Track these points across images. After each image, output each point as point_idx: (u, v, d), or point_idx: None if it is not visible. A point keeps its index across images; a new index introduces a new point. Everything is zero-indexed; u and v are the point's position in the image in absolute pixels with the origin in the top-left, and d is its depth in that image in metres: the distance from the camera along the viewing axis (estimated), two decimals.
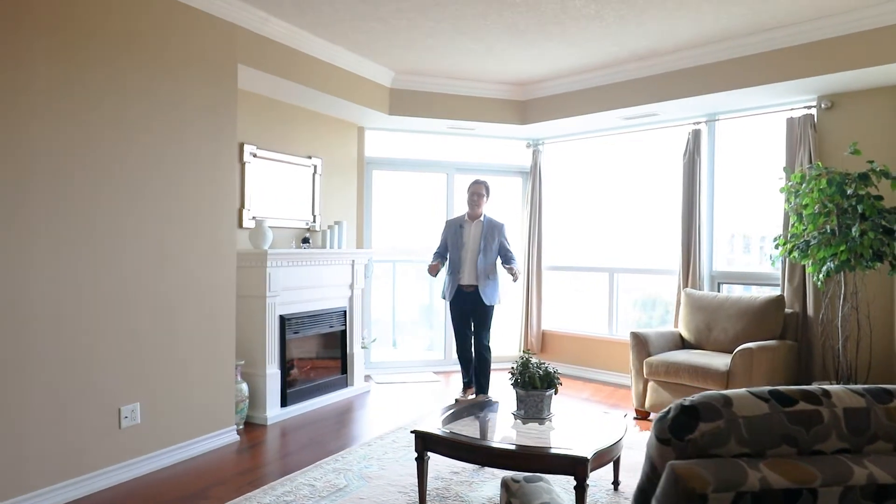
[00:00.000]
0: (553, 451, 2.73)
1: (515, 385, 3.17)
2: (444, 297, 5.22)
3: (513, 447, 2.80)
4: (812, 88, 4.76)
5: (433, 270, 5.15)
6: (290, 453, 3.98)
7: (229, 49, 4.12)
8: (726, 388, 4.26)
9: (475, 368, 5.19)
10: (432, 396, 5.50)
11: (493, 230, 5.11)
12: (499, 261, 5.20)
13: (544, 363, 3.22)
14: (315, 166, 5.55)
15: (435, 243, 5.35)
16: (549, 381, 3.13)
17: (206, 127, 3.95)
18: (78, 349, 3.23)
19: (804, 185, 4.20)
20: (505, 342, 6.94)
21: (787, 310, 4.78)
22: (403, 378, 6.18)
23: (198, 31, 3.90)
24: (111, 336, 3.39)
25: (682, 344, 5.12)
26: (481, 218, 5.16)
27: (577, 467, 2.64)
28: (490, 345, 5.19)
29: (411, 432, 3.07)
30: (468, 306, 5.10)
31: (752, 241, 5.68)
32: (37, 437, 3.06)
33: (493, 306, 5.12)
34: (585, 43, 4.86)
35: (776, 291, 5.11)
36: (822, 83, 4.63)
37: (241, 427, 4.39)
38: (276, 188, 5.18)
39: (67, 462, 3.19)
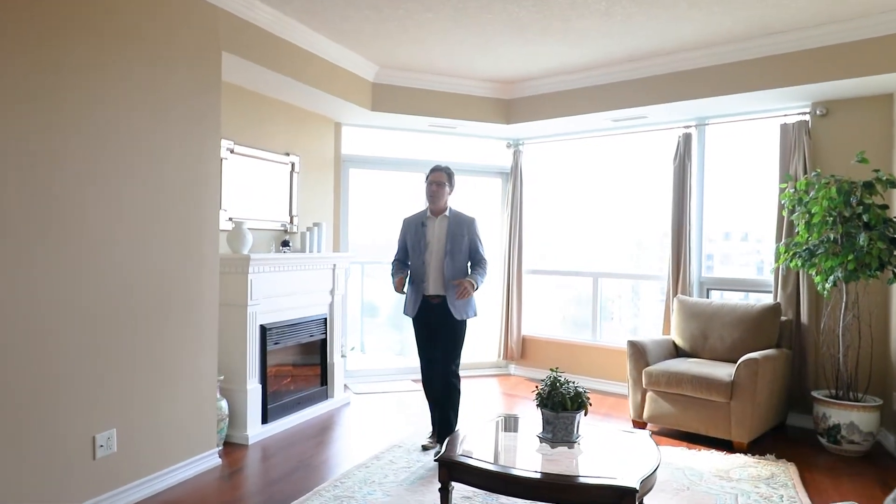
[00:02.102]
0: (598, 481, 2.52)
1: (543, 406, 2.95)
2: (406, 314, 4.20)
3: (554, 477, 2.58)
4: (806, 95, 4.72)
5: (400, 286, 4.13)
6: (280, 479, 3.64)
7: (213, 35, 3.74)
8: (731, 398, 4.17)
9: (441, 399, 4.15)
10: (416, 408, 5.22)
11: (461, 226, 4.10)
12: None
13: (572, 382, 3.01)
14: (293, 164, 5.19)
15: None
16: (579, 402, 2.92)
17: (188, 120, 3.57)
18: (48, 372, 2.82)
19: (812, 192, 4.14)
20: (484, 349, 6.74)
21: (781, 317, 4.74)
22: (382, 387, 5.88)
23: (180, 14, 3.51)
24: (84, 354, 2.99)
25: (676, 352, 5.02)
26: (446, 212, 4.14)
27: (624, 499, 2.45)
28: (459, 372, 4.15)
29: (435, 461, 2.81)
30: (435, 322, 4.09)
31: (743, 246, 5.64)
32: (1, 475, 2.64)
33: (464, 322, 4.10)
34: (585, 41, 4.68)
35: (768, 298, 5.08)
36: (817, 90, 4.60)
37: (220, 448, 4.02)
38: (253, 187, 4.81)
39: (36, 502, 2.78)
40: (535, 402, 3.01)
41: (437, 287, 4.07)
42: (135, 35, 3.22)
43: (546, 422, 2.96)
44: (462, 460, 2.71)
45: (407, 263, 4.22)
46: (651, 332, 5.98)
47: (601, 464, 2.79)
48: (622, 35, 4.53)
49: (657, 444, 3.05)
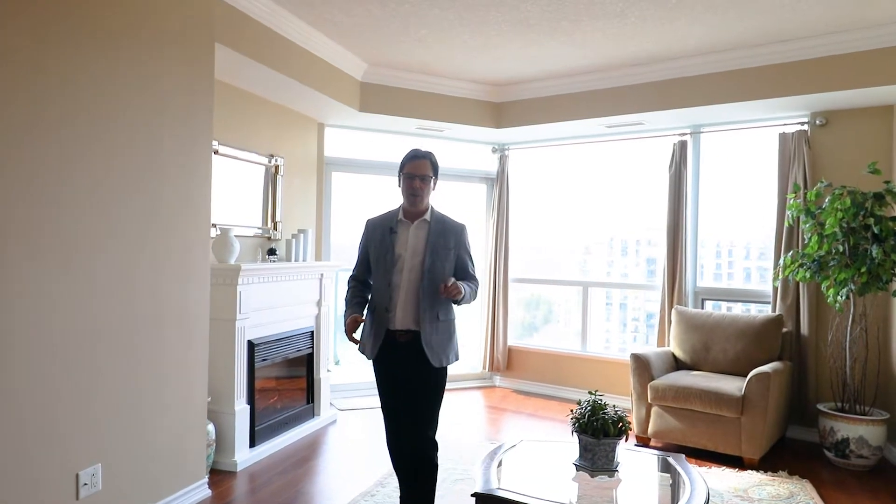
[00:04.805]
0: None
1: (582, 432, 2.74)
2: (361, 352, 2.98)
3: None
4: (805, 105, 4.69)
5: (352, 327, 2.87)
6: None
7: (206, 25, 3.40)
8: (741, 413, 4.07)
9: (414, 475, 2.91)
10: None
11: (446, 235, 2.92)
12: None
13: (612, 405, 2.81)
14: (277, 166, 4.85)
15: None
16: (621, 428, 2.72)
17: (179, 116, 3.21)
18: (26, 403, 2.46)
19: (826, 203, 4.08)
20: (467, 359, 6.51)
21: (783, 329, 4.67)
22: (366, 402, 5.58)
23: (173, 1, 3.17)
24: (65, 384, 2.62)
25: (677, 364, 4.91)
26: (426, 216, 2.96)
27: None
28: (436, 438, 2.93)
29: (472, 495, 2.56)
30: (402, 370, 2.87)
31: (739, 256, 5.59)
32: None
33: (444, 370, 2.90)
34: (590, 43, 4.51)
35: (766, 309, 5.03)
36: (816, 100, 4.57)
37: (207, 477, 3.66)
38: (237, 190, 4.46)
39: None
40: (572, 428, 2.79)
41: (407, 319, 2.84)
42: (124, 24, 2.87)
43: (584, 448, 2.76)
44: (504, 495, 2.48)
45: (369, 284, 3.05)
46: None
47: (649, 496, 2.61)
48: (630, 38, 4.39)
49: (696, 468, 2.89)
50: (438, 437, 2.89)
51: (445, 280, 2.77)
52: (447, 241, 2.91)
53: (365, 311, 2.98)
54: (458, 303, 2.83)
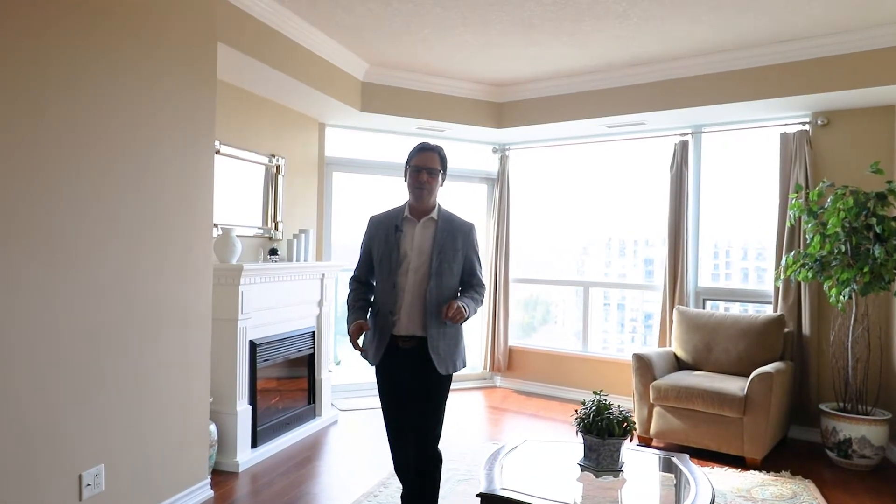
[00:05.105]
0: None
1: (587, 433, 2.74)
2: (364, 357, 2.84)
3: None
4: (806, 105, 4.68)
5: (356, 334, 2.74)
6: None
7: (208, 24, 3.39)
8: (744, 413, 4.06)
9: (417, 488, 2.82)
10: None
11: (454, 235, 2.78)
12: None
13: (617, 405, 2.81)
14: (278, 166, 4.84)
15: None
16: (626, 428, 2.72)
17: (180, 116, 3.20)
18: (29, 404, 2.44)
19: (829, 202, 4.08)
20: (468, 359, 6.48)
21: (784, 329, 4.67)
22: (368, 403, 5.56)
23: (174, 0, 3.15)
24: (67, 384, 2.61)
25: (678, 364, 4.90)
26: (433, 213, 2.81)
27: None
28: (440, 451, 2.83)
29: (477, 496, 2.55)
30: (407, 377, 2.75)
31: (739, 256, 5.58)
32: None
33: (449, 377, 2.78)
34: (592, 44, 4.51)
35: (767, 309, 5.02)
36: (818, 100, 4.56)
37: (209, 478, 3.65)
38: (238, 190, 4.45)
39: None
40: (576, 428, 2.79)
41: (412, 324, 2.69)
42: (124, 24, 2.86)
43: (589, 448, 2.75)
44: (508, 495, 2.47)
45: (371, 285, 2.90)
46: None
47: (653, 496, 2.60)
48: (632, 38, 4.38)
49: (700, 468, 2.88)
50: (441, 439, 2.83)
51: (449, 306, 2.60)
52: (455, 241, 2.77)
53: (367, 314, 2.83)
54: (465, 318, 2.67)
